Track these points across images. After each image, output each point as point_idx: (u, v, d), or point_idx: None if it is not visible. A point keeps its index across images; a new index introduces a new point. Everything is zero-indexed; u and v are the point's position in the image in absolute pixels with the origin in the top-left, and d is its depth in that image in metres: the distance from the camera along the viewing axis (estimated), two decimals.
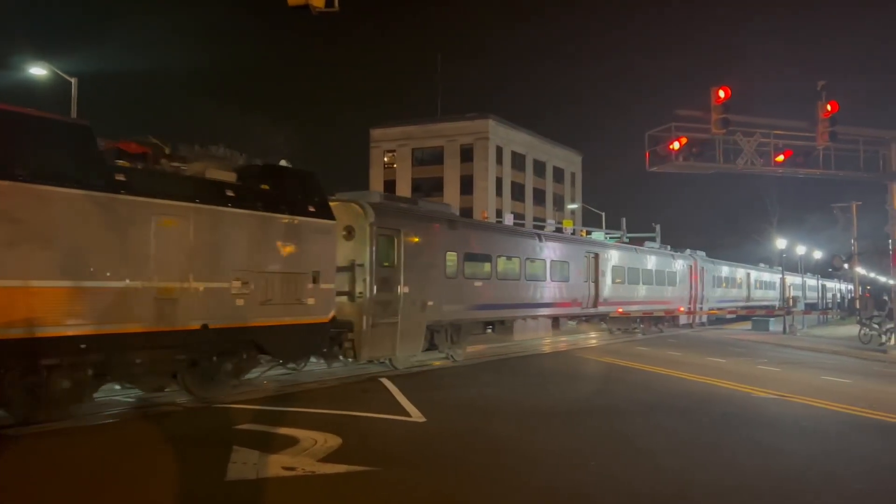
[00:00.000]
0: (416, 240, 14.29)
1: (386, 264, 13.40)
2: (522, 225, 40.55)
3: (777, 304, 42.16)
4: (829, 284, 69.03)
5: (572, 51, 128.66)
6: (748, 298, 40.44)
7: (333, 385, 12.20)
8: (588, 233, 35.93)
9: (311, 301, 11.40)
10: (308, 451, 7.10)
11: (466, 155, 62.25)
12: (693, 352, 20.56)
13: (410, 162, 63.95)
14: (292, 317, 11.05)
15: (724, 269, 36.82)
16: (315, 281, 11.49)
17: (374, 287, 12.91)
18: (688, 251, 31.77)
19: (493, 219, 48.16)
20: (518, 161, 66.45)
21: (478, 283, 16.35)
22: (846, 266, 34.54)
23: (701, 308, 31.14)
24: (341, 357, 13.06)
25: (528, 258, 18.62)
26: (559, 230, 33.28)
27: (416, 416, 9.29)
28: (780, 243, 39.94)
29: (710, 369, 16.00)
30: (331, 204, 12.48)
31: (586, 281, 21.65)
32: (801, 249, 49.00)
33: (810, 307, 50.27)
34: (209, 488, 6.02)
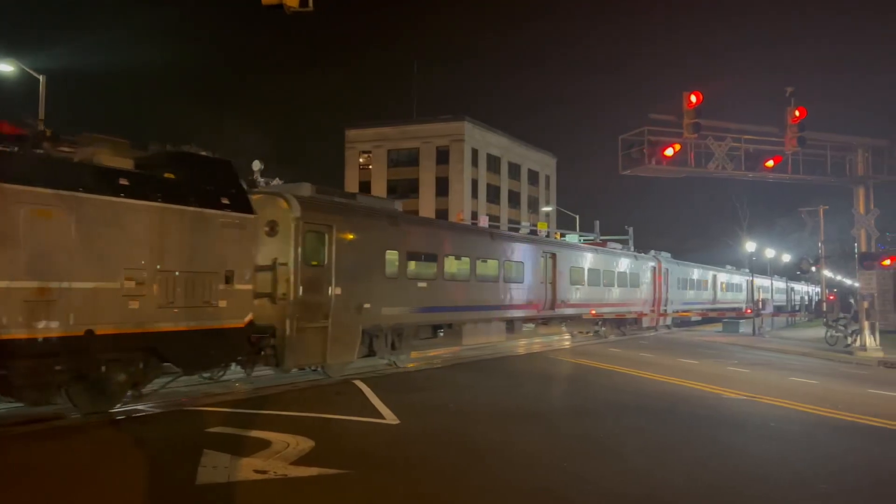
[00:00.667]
0: (352, 237, 13.29)
1: (314, 263, 12.39)
2: (497, 227, 39.91)
3: (744, 306, 41.92)
4: (797, 287, 69.45)
5: (547, 55, 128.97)
6: (714, 301, 40.06)
7: (306, 387, 11.91)
8: (562, 235, 35.33)
9: (222, 303, 10.36)
10: (280, 454, 7.03)
11: (442, 157, 61.86)
12: (665, 353, 20.62)
13: (386, 163, 63.23)
14: (199, 321, 9.99)
15: (690, 271, 36.31)
16: (228, 281, 10.46)
17: (300, 288, 11.90)
18: (651, 252, 31.13)
19: (468, 220, 47.45)
20: (493, 163, 66.16)
21: (422, 284, 15.37)
22: (814, 269, 34.33)
23: (665, 310, 30.49)
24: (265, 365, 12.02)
25: (479, 258, 17.69)
26: (534, 232, 32.67)
27: (389, 418, 9.19)
28: (750, 246, 39.72)
29: (681, 371, 16.14)
30: (253, 197, 11.52)
31: (543, 282, 20.79)
32: (770, 253, 49.00)
33: (778, 309, 50.31)
34: (179, 492, 5.93)
